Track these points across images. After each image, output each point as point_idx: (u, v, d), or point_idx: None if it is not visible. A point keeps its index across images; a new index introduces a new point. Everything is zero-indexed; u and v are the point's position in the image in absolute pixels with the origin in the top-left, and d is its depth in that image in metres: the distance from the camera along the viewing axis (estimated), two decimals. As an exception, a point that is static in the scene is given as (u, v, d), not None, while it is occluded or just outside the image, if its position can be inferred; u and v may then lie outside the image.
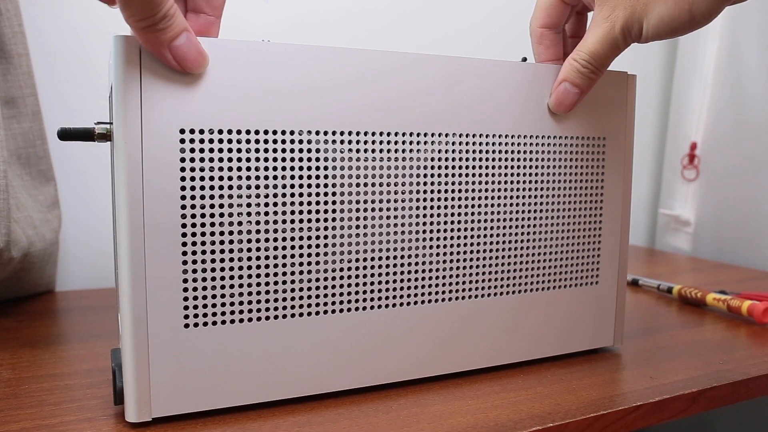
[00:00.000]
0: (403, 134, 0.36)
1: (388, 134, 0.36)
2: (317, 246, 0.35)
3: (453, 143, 0.37)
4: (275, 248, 0.34)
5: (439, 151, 0.37)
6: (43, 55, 0.63)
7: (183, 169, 0.31)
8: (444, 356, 0.39)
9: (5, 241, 0.51)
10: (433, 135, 0.37)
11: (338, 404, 0.36)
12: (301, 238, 0.34)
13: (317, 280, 0.35)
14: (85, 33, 0.64)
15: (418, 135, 0.36)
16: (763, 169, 0.82)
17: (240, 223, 0.33)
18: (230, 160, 0.32)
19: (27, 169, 0.59)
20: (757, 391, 0.41)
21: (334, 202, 0.35)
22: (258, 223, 0.33)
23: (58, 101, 0.64)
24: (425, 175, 0.37)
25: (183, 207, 0.32)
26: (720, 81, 0.87)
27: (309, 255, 0.34)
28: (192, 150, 0.31)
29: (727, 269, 0.79)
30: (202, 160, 0.32)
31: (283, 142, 0.33)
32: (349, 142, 0.35)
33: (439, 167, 0.37)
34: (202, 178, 0.32)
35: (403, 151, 0.36)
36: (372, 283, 0.36)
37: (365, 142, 0.35)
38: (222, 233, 0.32)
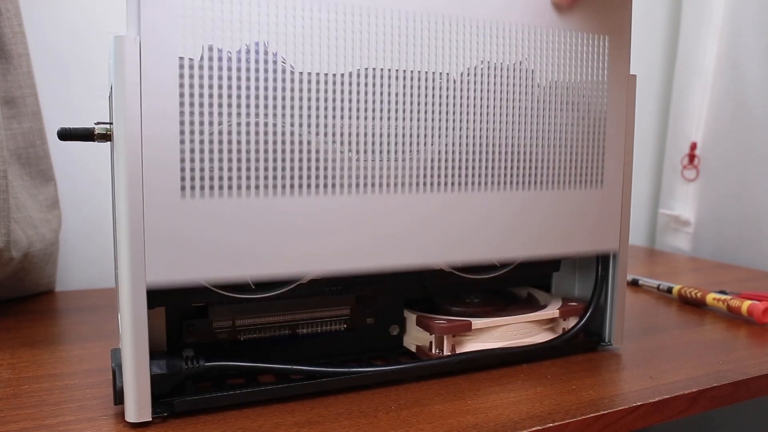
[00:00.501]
0: (399, 17, 0.36)
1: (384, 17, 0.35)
2: (316, 125, 0.34)
3: (450, 30, 0.37)
4: (274, 139, 0.33)
5: (436, 38, 0.36)
6: (43, 55, 0.63)
7: (183, 169, 0.31)
8: (444, 244, 0.38)
9: (5, 241, 0.51)
10: (427, 19, 0.36)
11: (338, 404, 0.36)
12: (300, 116, 0.34)
13: (317, 160, 0.34)
14: (85, 33, 0.65)
15: (408, 17, 0.36)
16: (763, 169, 0.82)
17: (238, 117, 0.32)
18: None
19: (27, 169, 0.59)
20: (757, 391, 0.41)
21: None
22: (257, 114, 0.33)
23: (58, 101, 0.64)
24: (423, 62, 0.36)
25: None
26: (720, 81, 0.87)
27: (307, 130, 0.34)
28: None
29: (727, 269, 0.79)
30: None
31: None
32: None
33: (443, 55, 0.37)
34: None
35: (399, 36, 0.36)
36: (373, 161, 0.35)
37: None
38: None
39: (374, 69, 0.35)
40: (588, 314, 0.45)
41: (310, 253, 0.35)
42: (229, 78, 0.32)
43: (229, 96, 0.32)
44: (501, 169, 0.39)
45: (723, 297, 0.56)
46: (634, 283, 0.68)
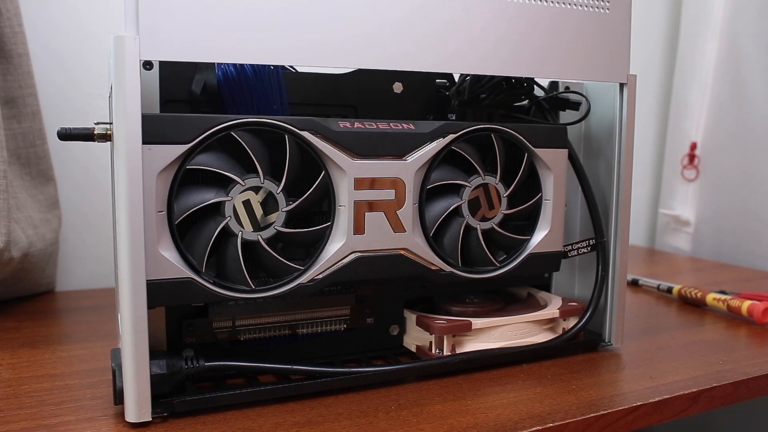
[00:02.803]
0: None
1: None
2: None
3: None
4: None
5: None
6: (43, 55, 0.63)
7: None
8: (448, 52, 0.37)
9: (5, 241, 0.51)
10: None
11: (338, 404, 0.36)
12: None
13: None
14: (85, 33, 0.64)
15: None
16: (763, 169, 0.82)
17: None
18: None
19: (27, 169, 0.59)
20: (757, 391, 0.41)
21: None
22: None
23: (58, 101, 0.64)
24: None
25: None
26: (720, 81, 0.87)
27: None
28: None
29: (727, 269, 0.79)
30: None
31: None
32: None
33: None
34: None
35: None
36: None
37: None
38: None
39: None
40: (588, 314, 0.45)
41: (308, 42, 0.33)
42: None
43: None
44: None
45: (723, 297, 0.56)
46: (634, 283, 0.68)
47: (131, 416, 0.32)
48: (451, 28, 0.37)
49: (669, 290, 0.62)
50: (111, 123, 0.33)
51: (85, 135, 0.33)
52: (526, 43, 0.39)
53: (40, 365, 0.42)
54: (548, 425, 0.33)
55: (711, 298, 0.57)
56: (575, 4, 0.41)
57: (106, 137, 0.33)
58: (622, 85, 0.44)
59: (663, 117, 1.02)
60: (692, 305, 0.60)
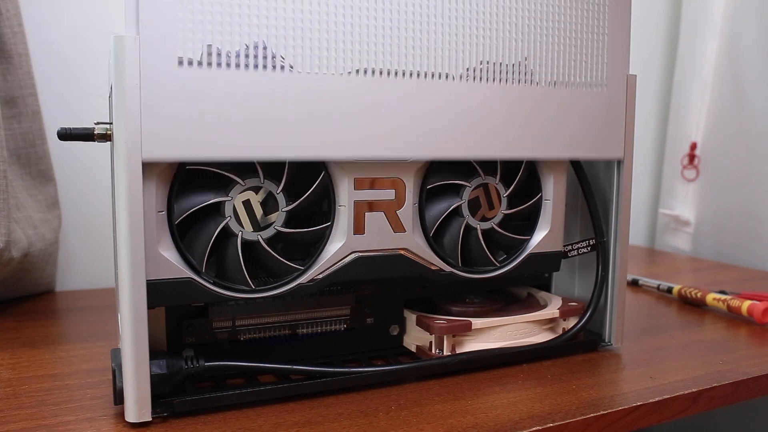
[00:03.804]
0: None
1: None
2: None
3: None
4: None
5: None
6: (43, 55, 0.63)
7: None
8: (452, 138, 0.37)
9: (5, 241, 0.51)
10: None
11: (338, 404, 0.36)
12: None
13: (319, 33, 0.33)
14: (85, 33, 0.65)
15: None
16: (763, 169, 0.82)
17: None
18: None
19: (27, 169, 0.59)
20: (758, 391, 0.41)
21: None
22: None
23: (58, 101, 0.64)
24: None
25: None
26: (720, 81, 0.87)
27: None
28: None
29: (727, 269, 0.79)
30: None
31: None
32: None
33: None
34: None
35: None
36: (382, 45, 0.35)
37: None
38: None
39: None
40: (588, 314, 0.45)
41: (308, 138, 0.34)
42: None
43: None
44: (504, 59, 0.38)
45: (723, 297, 0.56)
46: (634, 283, 0.68)
47: (131, 416, 0.32)
48: (438, 118, 0.37)
49: (669, 290, 0.62)
50: (111, 123, 0.33)
51: (85, 135, 0.33)
52: (522, 127, 0.40)
53: (40, 365, 0.42)
54: (548, 425, 0.33)
55: (711, 298, 0.57)
56: (574, 86, 0.41)
57: (106, 137, 0.33)
58: (619, 162, 0.44)
59: (663, 117, 1.02)
60: (692, 305, 0.60)
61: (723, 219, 0.87)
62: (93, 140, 0.33)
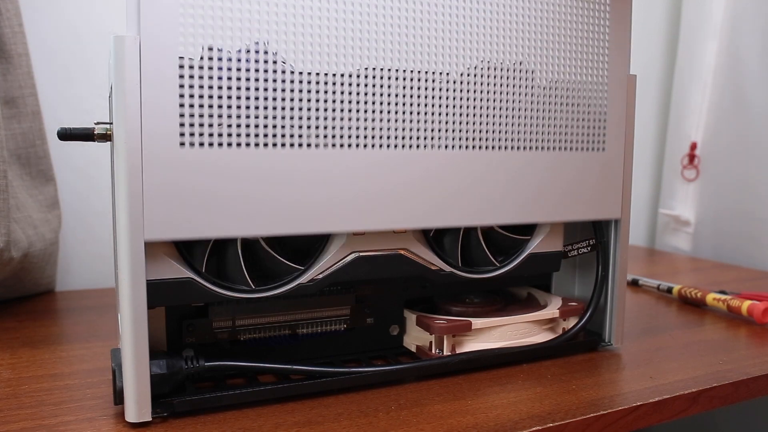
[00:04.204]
0: None
1: None
2: (316, 74, 0.34)
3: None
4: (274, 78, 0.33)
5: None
6: (43, 55, 0.63)
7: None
8: (446, 207, 0.38)
9: (5, 241, 0.51)
10: None
11: (338, 404, 0.36)
12: (301, 72, 0.33)
13: (317, 110, 0.34)
14: (85, 33, 0.65)
15: None
16: (764, 169, 0.82)
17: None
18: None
19: (27, 169, 0.59)
20: (757, 391, 0.41)
21: (330, 28, 0.34)
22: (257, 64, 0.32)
23: (58, 101, 0.64)
24: (422, 14, 0.36)
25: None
26: (720, 81, 0.87)
27: (308, 83, 0.34)
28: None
29: (727, 269, 0.79)
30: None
31: None
32: None
33: (437, 4, 0.36)
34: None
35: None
36: (374, 120, 0.35)
37: None
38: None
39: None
40: (588, 314, 0.45)
41: (310, 210, 0.34)
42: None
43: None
44: (500, 128, 0.38)
45: (723, 297, 0.56)
46: (634, 283, 0.68)
47: (131, 416, 0.32)
48: (433, 185, 0.38)
49: (669, 290, 0.62)
50: (111, 123, 0.33)
51: (85, 135, 0.33)
52: (521, 192, 0.40)
53: (40, 365, 0.42)
54: (548, 425, 0.33)
55: (711, 298, 0.57)
56: (573, 148, 0.41)
57: (106, 137, 0.33)
58: (616, 221, 0.45)
59: (663, 117, 1.02)
60: (692, 305, 0.60)
61: (723, 219, 0.87)
62: (93, 140, 0.33)
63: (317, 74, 0.34)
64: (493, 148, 0.39)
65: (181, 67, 0.31)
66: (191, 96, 0.31)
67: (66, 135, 0.33)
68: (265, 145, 0.33)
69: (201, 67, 0.31)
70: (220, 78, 0.32)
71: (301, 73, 0.33)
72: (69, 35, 0.64)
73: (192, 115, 0.31)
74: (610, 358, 0.44)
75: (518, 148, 0.39)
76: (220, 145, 0.32)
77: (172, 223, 0.31)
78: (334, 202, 0.35)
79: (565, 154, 0.41)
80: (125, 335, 0.32)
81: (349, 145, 0.35)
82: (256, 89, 0.33)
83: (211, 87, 0.32)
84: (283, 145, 0.33)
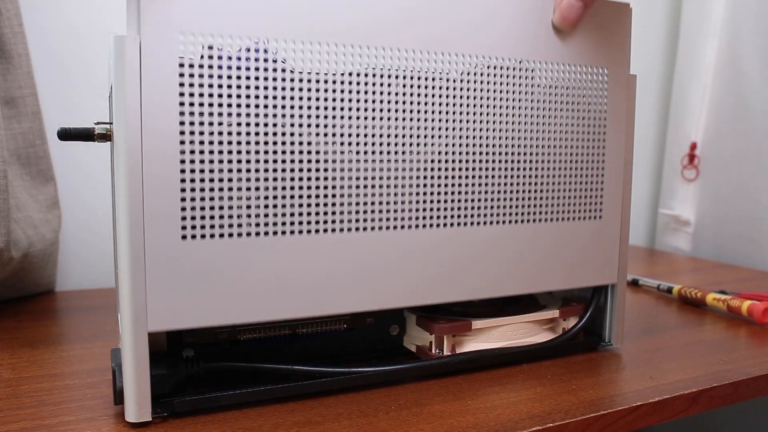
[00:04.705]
0: (398, 49, 0.36)
1: (383, 48, 0.35)
2: (317, 161, 0.34)
3: (454, 63, 0.37)
4: (274, 161, 0.33)
5: (440, 72, 0.37)
6: (43, 55, 0.63)
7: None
8: (442, 283, 0.38)
9: (5, 241, 0.51)
10: (434, 53, 0.36)
11: (338, 404, 0.36)
12: (300, 153, 0.34)
13: (317, 197, 0.34)
14: (85, 33, 0.65)
15: (414, 51, 0.36)
16: (763, 168, 0.82)
17: (238, 144, 0.33)
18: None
19: (27, 169, 0.59)
20: (757, 391, 0.41)
21: (334, 117, 0.34)
22: (257, 143, 0.33)
23: (58, 101, 0.64)
24: (424, 95, 0.36)
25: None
26: (720, 81, 0.87)
27: (309, 170, 0.34)
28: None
29: (727, 269, 0.79)
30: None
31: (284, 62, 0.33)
32: (344, 54, 0.34)
33: (440, 87, 0.37)
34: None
35: (404, 68, 0.36)
36: (372, 203, 0.36)
37: (367, 56, 0.35)
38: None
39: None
40: (588, 314, 0.45)
41: (309, 294, 0.35)
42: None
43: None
44: (498, 203, 0.39)
45: (723, 297, 0.56)
46: (634, 283, 0.68)
47: (131, 416, 0.32)
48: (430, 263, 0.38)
49: (669, 290, 0.62)
50: (111, 123, 0.33)
51: (85, 135, 0.33)
52: (519, 264, 0.41)
53: (40, 365, 0.42)
54: (548, 425, 0.33)
55: (711, 298, 0.57)
56: (570, 218, 0.42)
57: (106, 137, 0.33)
58: (612, 286, 0.45)
59: (663, 117, 1.02)
60: (692, 305, 0.60)
61: (723, 219, 0.87)
62: (93, 140, 0.33)
63: (325, 160, 0.34)
64: (492, 223, 0.39)
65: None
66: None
67: (66, 135, 0.33)
68: (275, 233, 0.34)
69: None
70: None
71: (309, 161, 0.34)
72: (69, 35, 0.64)
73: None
74: (610, 358, 0.44)
75: (517, 221, 0.40)
76: (221, 236, 0.33)
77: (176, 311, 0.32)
78: (338, 283, 0.36)
79: (562, 224, 0.42)
80: (125, 335, 0.32)
81: (350, 229, 0.36)
82: (265, 170, 0.33)
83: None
84: (292, 232, 0.34)
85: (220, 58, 0.32)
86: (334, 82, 0.34)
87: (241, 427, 0.33)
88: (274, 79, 0.33)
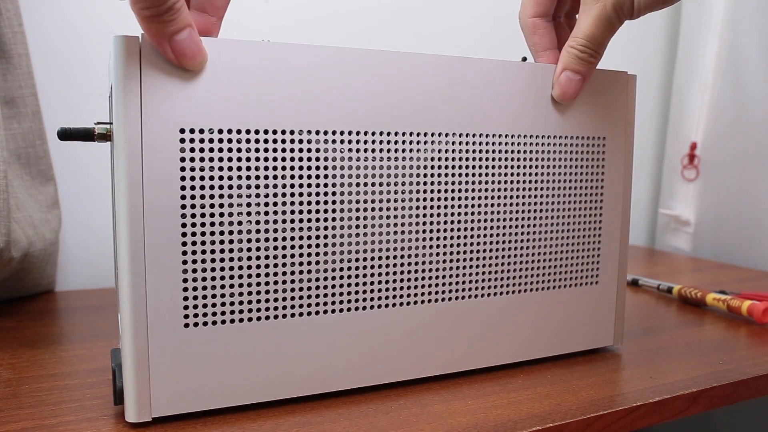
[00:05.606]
0: (403, 134, 0.36)
1: (388, 134, 0.36)
2: (317, 246, 0.35)
3: (452, 143, 0.37)
4: (275, 248, 0.34)
5: (439, 151, 0.37)
6: (43, 55, 0.63)
7: (183, 169, 0.31)
8: (444, 356, 0.39)
9: (5, 241, 0.51)
10: (432, 135, 0.37)
11: (338, 404, 0.36)
12: (301, 238, 0.34)
13: (317, 279, 0.35)
14: (85, 33, 0.65)
15: (417, 134, 0.36)
16: (763, 168, 0.82)
17: (240, 223, 0.33)
18: (230, 159, 0.32)
19: (27, 169, 0.59)
20: (757, 391, 0.41)
21: (333, 202, 0.35)
22: (258, 222, 0.33)
23: (58, 101, 0.64)
24: (425, 175, 0.37)
25: (183, 207, 0.32)
26: (720, 81, 0.87)
27: (309, 254, 0.34)
28: (192, 150, 0.31)
29: (727, 269, 0.79)
30: (202, 159, 0.32)
31: (283, 141, 0.33)
32: (349, 141, 0.35)
33: (439, 167, 0.37)
34: (202, 178, 0.32)
35: (403, 150, 0.36)
36: (372, 283, 0.36)
37: (365, 142, 0.35)
38: (222, 233, 0.32)
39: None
40: (588, 314, 0.45)
41: (312, 374, 0.36)
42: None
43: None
44: (494, 275, 0.40)
45: (723, 297, 0.56)
46: (634, 283, 0.68)
47: (131, 416, 0.32)
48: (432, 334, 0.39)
49: (669, 290, 0.62)
50: (111, 123, 0.33)
51: (85, 135, 0.33)
52: (516, 333, 0.41)
53: (40, 365, 0.42)
54: (548, 425, 0.33)
55: (711, 298, 0.57)
56: (567, 285, 0.42)
57: (106, 137, 0.33)
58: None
59: (663, 117, 1.02)
60: (692, 305, 0.60)
61: (723, 219, 0.87)
62: (93, 140, 0.33)
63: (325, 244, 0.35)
64: (486, 295, 0.40)
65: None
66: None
67: (66, 135, 0.33)
68: (275, 317, 0.34)
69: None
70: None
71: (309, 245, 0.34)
72: (69, 35, 0.64)
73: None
74: (610, 358, 0.44)
75: (512, 292, 0.40)
76: (223, 322, 0.33)
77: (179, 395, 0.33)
78: (338, 362, 0.36)
79: (559, 292, 0.42)
80: (125, 335, 0.32)
81: (349, 309, 0.36)
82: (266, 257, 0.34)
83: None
84: (292, 315, 0.35)
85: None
86: (341, 168, 0.35)
87: (241, 427, 0.33)
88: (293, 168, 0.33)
